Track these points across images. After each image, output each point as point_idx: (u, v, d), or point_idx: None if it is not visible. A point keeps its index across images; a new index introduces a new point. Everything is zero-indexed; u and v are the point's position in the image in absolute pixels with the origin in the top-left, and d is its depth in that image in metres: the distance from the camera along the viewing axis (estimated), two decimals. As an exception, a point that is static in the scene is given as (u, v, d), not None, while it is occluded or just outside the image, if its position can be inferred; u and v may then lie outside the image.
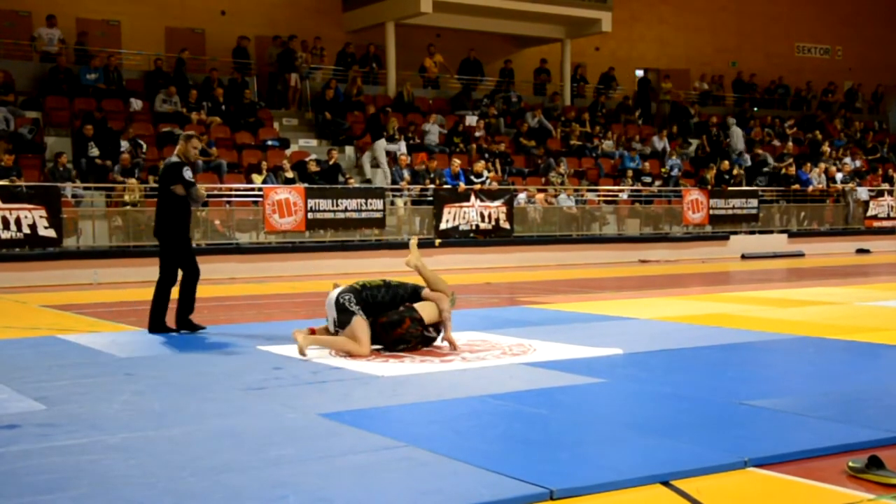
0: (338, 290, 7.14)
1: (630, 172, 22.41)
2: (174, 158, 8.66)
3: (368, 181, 19.65)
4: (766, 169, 24.40)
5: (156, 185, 16.86)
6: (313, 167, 18.29)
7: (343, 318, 6.97)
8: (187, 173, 8.49)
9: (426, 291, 7.27)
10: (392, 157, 20.16)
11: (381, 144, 19.98)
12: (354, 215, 17.61)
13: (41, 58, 20.14)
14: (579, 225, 20.58)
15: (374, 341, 7.05)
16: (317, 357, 6.86)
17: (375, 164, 19.96)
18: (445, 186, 18.91)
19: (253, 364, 6.67)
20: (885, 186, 25.34)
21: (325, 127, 21.21)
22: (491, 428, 4.74)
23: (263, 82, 22.26)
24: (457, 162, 19.58)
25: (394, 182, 19.30)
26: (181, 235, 8.55)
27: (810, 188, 24.06)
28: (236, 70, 21.40)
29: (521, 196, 19.95)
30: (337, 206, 17.42)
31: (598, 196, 21.70)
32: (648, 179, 22.32)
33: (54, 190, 15.46)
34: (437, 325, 7.24)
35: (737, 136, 25.23)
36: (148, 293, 8.63)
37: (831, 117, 29.73)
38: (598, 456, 4.19)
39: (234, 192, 17.59)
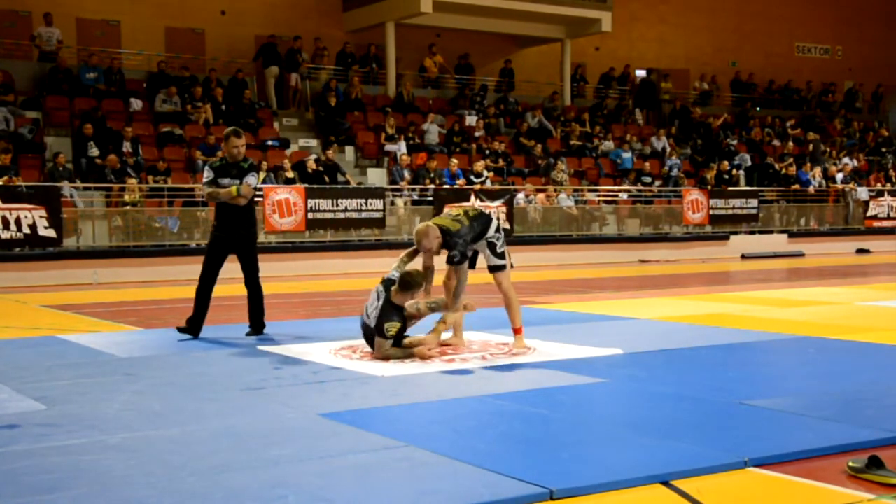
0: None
1: (633, 175, 22.40)
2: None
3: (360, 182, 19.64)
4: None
5: (155, 185, 17.05)
6: (312, 166, 18.28)
7: None
8: (207, 174, 8.07)
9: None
10: (392, 157, 20.16)
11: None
12: (354, 215, 17.60)
13: (41, 58, 20.14)
14: (579, 225, 20.57)
15: None
16: (317, 357, 6.86)
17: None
18: (445, 186, 18.90)
19: (253, 364, 6.67)
20: (887, 186, 25.33)
21: (325, 127, 21.20)
22: (491, 428, 4.74)
23: (263, 82, 22.25)
24: (455, 162, 19.57)
25: (394, 182, 19.30)
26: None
27: (810, 188, 24.06)
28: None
29: (521, 196, 19.94)
30: (337, 206, 17.41)
31: (598, 196, 21.70)
32: (648, 179, 22.32)
33: (54, 190, 15.46)
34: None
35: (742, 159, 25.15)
36: (148, 293, 8.62)
37: (831, 117, 29.72)
38: (598, 456, 4.19)
39: (234, 192, 17.55)
